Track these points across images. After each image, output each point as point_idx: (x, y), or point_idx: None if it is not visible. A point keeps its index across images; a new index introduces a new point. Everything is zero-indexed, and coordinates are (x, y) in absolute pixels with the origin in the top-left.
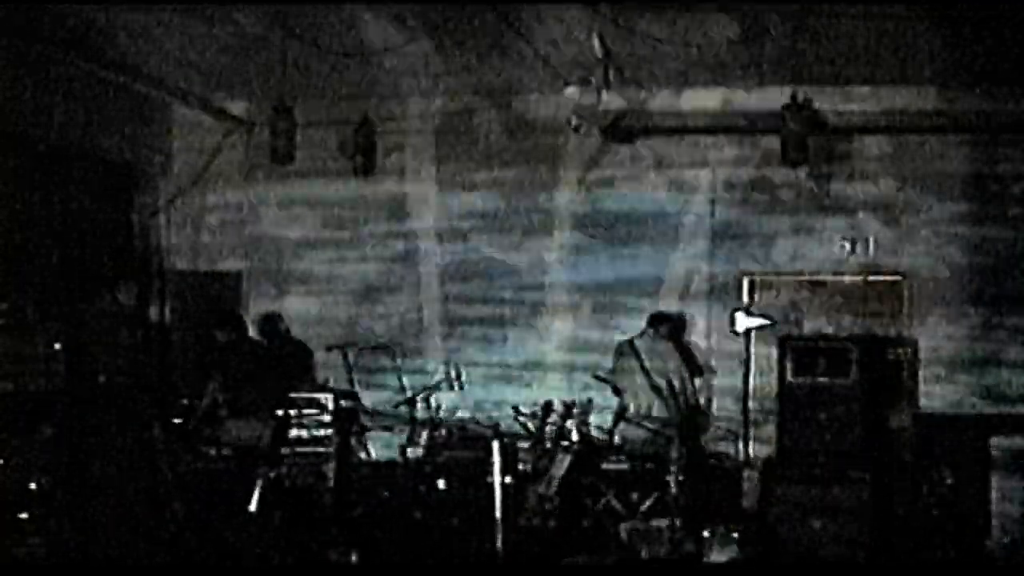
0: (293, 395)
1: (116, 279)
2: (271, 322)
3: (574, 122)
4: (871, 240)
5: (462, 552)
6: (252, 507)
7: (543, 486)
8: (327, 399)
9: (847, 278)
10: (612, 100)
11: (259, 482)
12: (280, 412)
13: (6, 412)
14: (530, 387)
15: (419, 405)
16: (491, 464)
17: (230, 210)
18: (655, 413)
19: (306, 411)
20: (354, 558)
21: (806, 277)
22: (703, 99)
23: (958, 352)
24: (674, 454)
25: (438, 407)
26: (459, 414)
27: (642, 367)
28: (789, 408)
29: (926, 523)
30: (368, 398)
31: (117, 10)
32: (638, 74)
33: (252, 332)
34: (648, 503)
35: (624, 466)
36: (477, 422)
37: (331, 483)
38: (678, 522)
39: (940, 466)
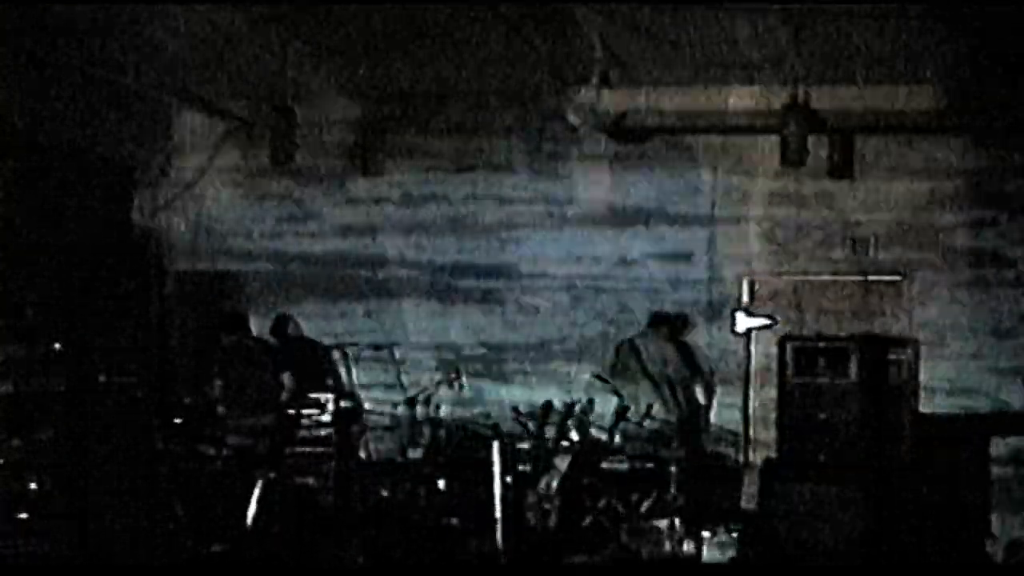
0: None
1: (116, 278)
2: (283, 322)
3: (573, 121)
4: (871, 240)
5: (462, 552)
6: (251, 507)
7: (543, 486)
8: (327, 399)
9: (847, 278)
10: (612, 99)
11: (259, 483)
12: (289, 412)
13: (6, 412)
14: None
15: (419, 405)
16: (491, 464)
17: None
18: (655, 413)
19: (306, 411)
20: (354, 558)
21: (806, 277)
22: (704, 98)
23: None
24: (674, 454)
25: (438, 407)
26: (459, 413)
27: (642, 367)
28: (789, 408)
29: (926, 523)
30: (368, 398)
31: (117, 9)
32: (638, 73)
33: (258, 332)
34: (648, 503)
35: (624, 466)
36: (477, 422)
37: (331, 483)
38: (678, 522)
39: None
